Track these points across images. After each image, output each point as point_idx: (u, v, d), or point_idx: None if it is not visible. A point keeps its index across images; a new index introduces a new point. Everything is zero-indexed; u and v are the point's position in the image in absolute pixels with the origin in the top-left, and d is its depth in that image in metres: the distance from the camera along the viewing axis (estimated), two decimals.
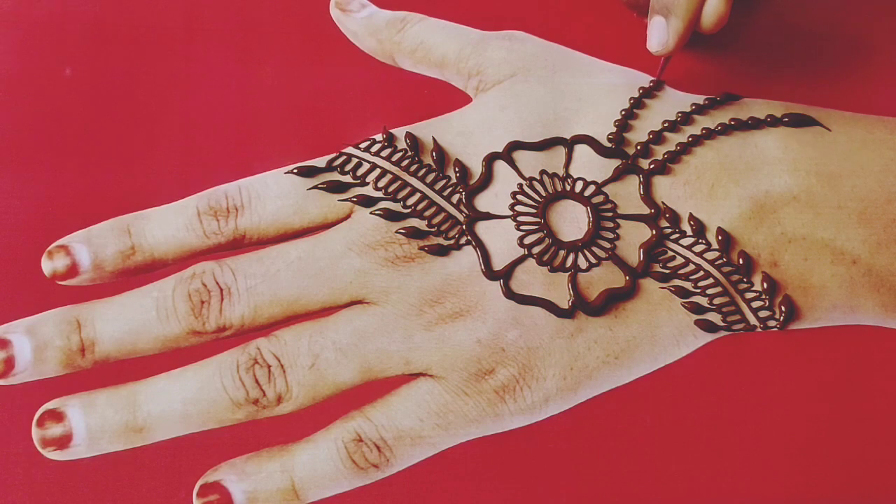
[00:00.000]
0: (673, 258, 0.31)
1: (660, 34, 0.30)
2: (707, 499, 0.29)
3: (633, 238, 0.31)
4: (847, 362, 0.31)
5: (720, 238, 0.31)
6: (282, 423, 0.29)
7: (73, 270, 0.30)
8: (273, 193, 0.31)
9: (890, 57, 0.36)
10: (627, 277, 0.30)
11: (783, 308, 0.30)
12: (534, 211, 0.31)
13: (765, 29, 0.36)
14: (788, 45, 0.36)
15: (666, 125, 0.33)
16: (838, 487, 0.29)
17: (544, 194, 0.32)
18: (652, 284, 0.31)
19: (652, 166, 0.32)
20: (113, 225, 0.31)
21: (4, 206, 0.32)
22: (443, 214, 0.31)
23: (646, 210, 0.31)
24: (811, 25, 0.36)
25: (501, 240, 0.31)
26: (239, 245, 0.31)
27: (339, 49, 0.35)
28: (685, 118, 0.33)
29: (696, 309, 0.30)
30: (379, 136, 0.32)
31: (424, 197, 0.31)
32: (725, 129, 0.33)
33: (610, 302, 0.30)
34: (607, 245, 0.31)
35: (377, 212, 0.31)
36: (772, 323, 0.30)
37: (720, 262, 0.31)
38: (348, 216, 0.31)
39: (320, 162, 0.32)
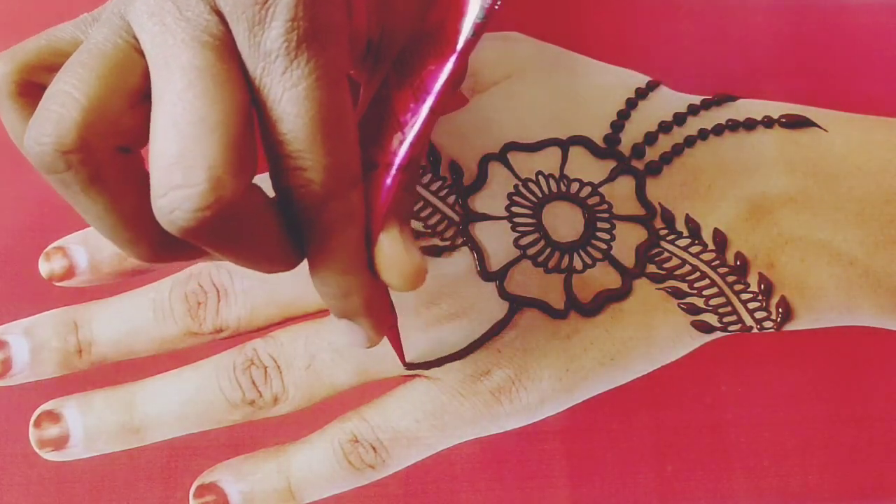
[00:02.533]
0: (669, 259, 0.31)
1: (356, 337, 0.25)
2: (704, 499, 0.29)
3: (628, 239, 0.31)
4: (844, 363, 0.31)
5: (716, 239, 0.31)
6: (278, 424, 0.29)
7: (70, 272, 0.30)
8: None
9: (889, 57, 0.36)
10: (623, 278, 0.30)
11: (780, 309, 0.30)
12: (529, 212, 0.31)
13: (763, 29, 0.36)
14: (786, 46, 0.36)
15: (662, 126, 0.33)
16: (836, 488, 0.29)
17: (540, 195, 0.32)
18: (648, 285, 0.31)
19: (647, 167, 0.32)
20: None
21: (3, 207, 0.32)
22: (438, 215, 0.31)
23: (641, 211, 0.31)
24: (809, 25, 0.36)
25: (497, 241, 0.31)
26: None
27: None
28: (681, 119, 0.33)
29: (692, 310, 0.30)
30: None
31: (420, 198, 0.31)
32: (721, 130, 0.33)
33: (606, 303, 0.30)
34: (603, 246, 0.31)
35: None
36: (768, 324, 0.30)
37: (716, 262, 0.31)
38: None
39: None
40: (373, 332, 0.25)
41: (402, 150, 0.22)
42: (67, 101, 0.19)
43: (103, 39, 0.21)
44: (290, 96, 0.20)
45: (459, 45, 0.22)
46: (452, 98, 0.24)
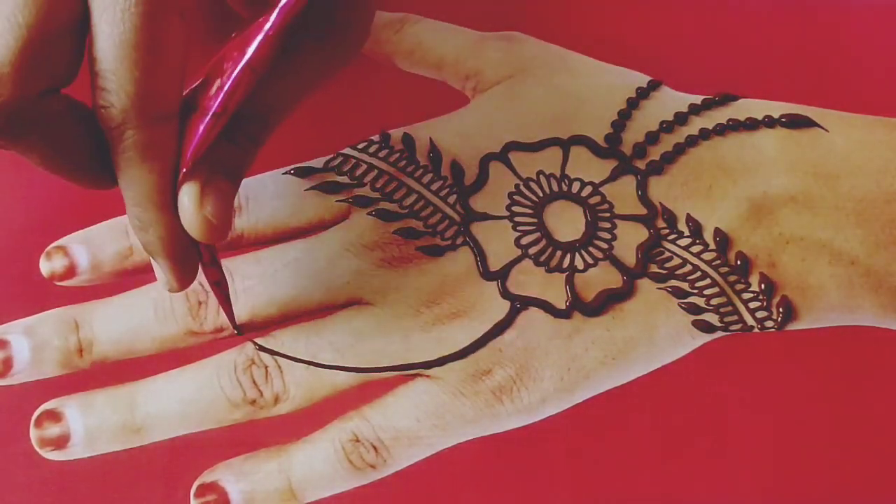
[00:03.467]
0: (670, 259, 0.31)
1: (158, 276, 0.26)
2: (704, 499, 0.29)
3: (629, 239, 0.31)
4: (845, 363, 0.31)
5: (717, 239, 0.31)
6: (279, 424, 0.29)
7: (71, 271, 0.30)
8: (270, 194, 0.31)
9: (889, 57, 0.36)
10: (624, 278, 0.30)
11: (781, 309, 0.30)
12: (530, 212, 0.31)
13: (764, 28, 0.36)
14: (786, 46, 0.36)
15: (663, 126, 0.33)
16: (836, 488, 0.29)
17: (541, 195, 0.32)
18: (649, 285, 0.31)
19: (648, 167, 0.32)
20: (111, 226, 0.31)
21: (3, 207, 0.32)
22: (439, 215, 0.31)
23: (643, 210, 0.31)
24: (810, 25, 0.36)
25: (498, 240, 0.31)
26: (236, 246, 0.31)
27: None
28: (682, 118, 0.33)
29: (694, 309, 0.30)
30: (376, 137, 0.32)
31: (421, 197, 0.31)
32: (723, 130, 0.32)
33: (607, 302, 0.30)
34: (604, 246, 0.31)
35: (374, 213, 0.31)
36: (769, 323, 0.30)
37: (717, 262, 0.31)
38: (346, 217, 0.31)
39: (318, 163, 0.32)
40: (170, 276, 0.25)
41: (219, 97, 0.23)
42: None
43: None
44: (108, 17, 0.21)
45: (282, 2, 0.22)
46: (291, 70, 0.25)
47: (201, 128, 0.23)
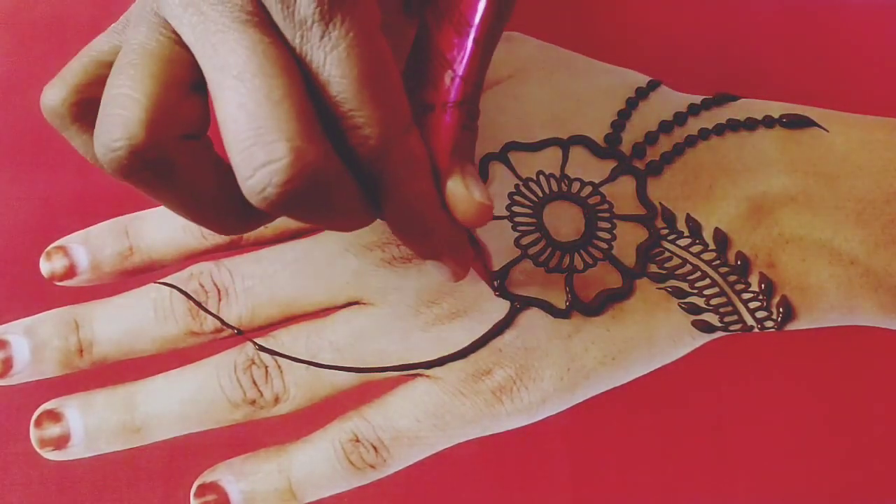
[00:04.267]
0: (670, 259, 0.31)
1: (444, 274, 0.27)
2: (704, 499, 0.29)
3: (629, 238, 0.31)
4: (845, 363, 0.31)
5: (717, 238, 0.31)
6: (279, 424, 0.29)
7: (71, 271, 0.30)
8: None
9: (889, 57, 0.36)
10: (624, 278, 0.30)
11: (780, 309, 0.30)
12: (530, 212, 0.31)
13: (763, 28, 0.36)
14: (786, 46, 0.36)
15: (662, 126, 0.33)
16: (836, 488, 0.29)
17: (540, 195, 0.32)
18: (649, 285, 0.31)
19: (648, 167, 0.32)
20: (111, 226, 0.31)
21: (3, 207, 0.32)
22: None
23: (642, 210, 0.31)
24: (810, 25, 0.36)
25: (498, 240, 0.31)
26: (236, 246, 0.31)
27: None
28: (682, 118, 0.33)
29: (693, 309, 0.30)
30: None
31: None
32: (722, 130, 0.32)
33: (607, 302, 0.30)
34: (604, 246, 0.31)
35: None
36: (769, 323, 0.30)
37: (717, 262, 0.31)
38: None
39: None
40: (457, 268, 0.27)
41: (455, 86, 0.23)
42: (127, 103, 0.20)
43: (144, 38, 0.21)
44: (332, 59, 0.20)
45: None
46: (499, 29, 0.25)
47: (447, 121, 0.23)
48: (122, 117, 0.20)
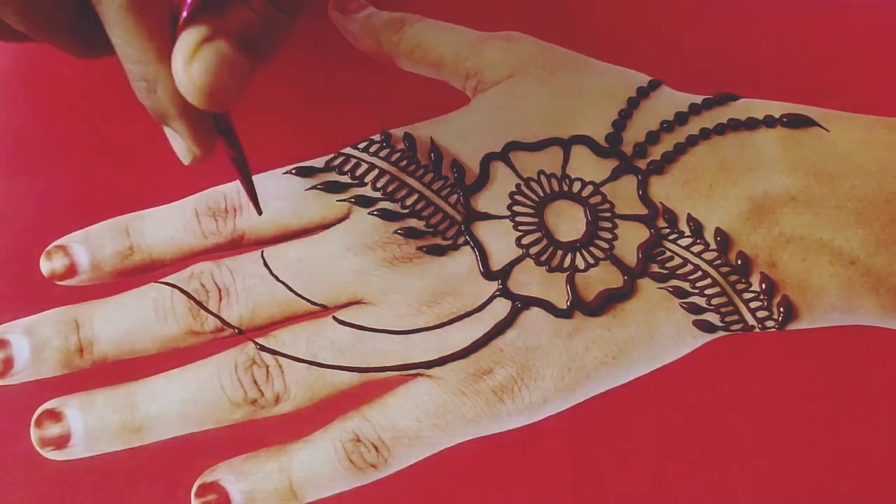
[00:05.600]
0: (671, 258, 0.31)
1: (178, 147, 0.24)
2: (705, 499, 0.29)
3: (630, 238, 0.31)
4: (846, 363, 0.31)
5: (718, 238, 0.31)
6: (280, 424, 0.29)
7: (71, 271, 0.30)
8: (271, 194, 0.31)
9: (889, 57, 0.36)
10: (625, 277, 0.30)
11: (781, 308, 0.30)
12: (531, 211, 0.31)
13: (764, 28, 0.36)
14: (786, 46, 0.36)
15: (663, 125, 0.33)
16: (837, 488, 0.29)
17: (542, 194, 0.32)
18: (650, 285, 0.31)
19: (649, 167, 0.32)
20: (111, 225, 0.31)
21: (4, 206, 0.32)
22: (440, 214, 0.31)
23: (644, 210, 0.31)
24: (811, 25, 0.36)
25: (499, 240, 0.31)
26: (237, 246, 0.31)
27: (338, 50, 0.35)
28: (683, 118, 0.33)
29: (694, 309, 0.30)
30: (377, 137, 0.32)
31: (422, 197, 0.31)
32: (723, 130, 0.32)
33: (608, 302, 0.30)
34: (605, 245, 0.31)
35: (375, 212, 0.31)
36: (770, 323, 0.30)
37: (718, 262, 0.31)
38: (347, 216, 0.31)
39: (318, 163, 0.32)
40: (189, 140, 0.24)
41: None
42: None
43: None
44: None
45: None
46: None
47: None
48: None
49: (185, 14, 0.21)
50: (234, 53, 0.22)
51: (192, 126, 0.23)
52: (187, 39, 0.21)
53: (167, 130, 0.24)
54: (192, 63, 0.21)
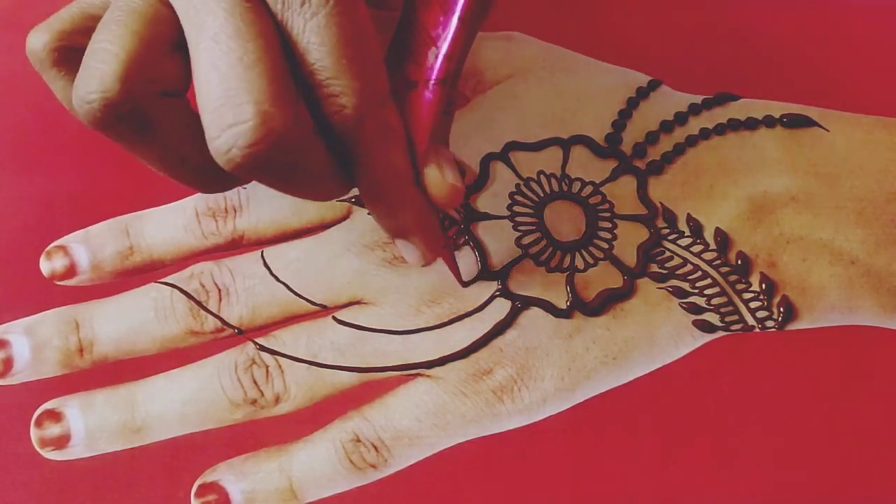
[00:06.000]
0: (671, 258, 0.31)
1: (412, 255, 0.27)
2: (704, 499, 0.29)
3: (630, 238, 0.31)
4: (846, 363, 0.31)
5: (718, 238, 0.31)
6: (280, 424, 0.29)
7: (71, 271, 0.30)
8: (271, 194, 0.31)
9: (889, 57, 0.36)
10: (625, 278, 0.30)
11: (781, 308, 0.30)
12: (531, 211, 0.31)
13: (764, 28, 0.36)
14: (786, 46, 0.36)
15: (663, 125, 0.33)
16: (837, 488, 0.29)
17: (541, 195, 0.32)
18: (650, 285, 0.31)
19: (649, 167, 0.32)
20: (111, 225, 0.31)
21: (3, 207, 0.32)
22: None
23: (643, 210, 0.31)
24: (811, 25, 0.36)
25: (499, 240, 0.31)
26: (237, 246, 0.31)
27: None
28: (682, 118, 0.33)
29: (694, 309, 0.30)
30: None
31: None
32: (723, 130, 0.33)
33: (608, 302, 0.30)
34: (605, 245, 0.31)
35: None
36: (770, 323, 0.30)
37: (718, 262, 0.31)
38: (347, 217, 0.32)
39: None
40: (426, 249, 0.26)
41: (438, 63, 0.23)
42: (106, 57, 0.21)
43: None
44: (311, 26, 0.21)
45: None
46: (484, 10, 0.25)
47: (428, 98, 0.23)
48: (99, 70, 0.20)
49: (426, 142, 0.24)
50: (451, 154, 0.26)
51: (431, 237, 0.26)
52: (444, 158, 0.25)
53: (400, 243, 0.27)
54: (446, 177, 0.25)
